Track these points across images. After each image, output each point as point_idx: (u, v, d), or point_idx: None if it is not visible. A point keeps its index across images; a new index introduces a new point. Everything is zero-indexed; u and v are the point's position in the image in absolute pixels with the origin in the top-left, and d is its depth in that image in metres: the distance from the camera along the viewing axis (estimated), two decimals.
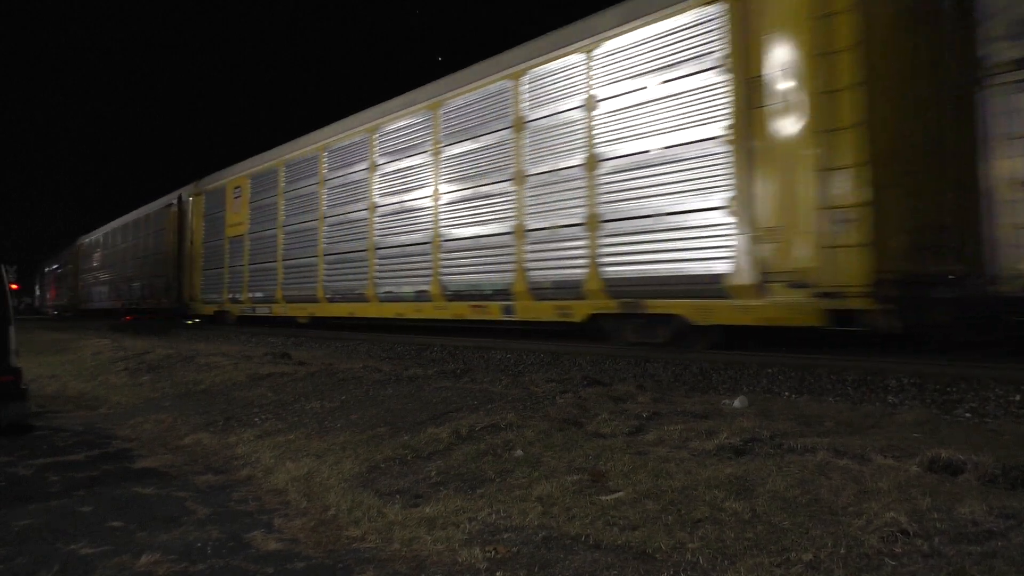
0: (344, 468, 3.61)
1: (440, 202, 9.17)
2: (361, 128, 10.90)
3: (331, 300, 11.15)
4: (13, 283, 5.20)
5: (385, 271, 10.05)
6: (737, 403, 4.12)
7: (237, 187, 14.56)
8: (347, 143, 11.24)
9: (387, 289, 9.97)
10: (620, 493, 2.78)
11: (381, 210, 10.21)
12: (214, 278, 15.40)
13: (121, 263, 22.37)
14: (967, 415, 3.85)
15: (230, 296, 14.57)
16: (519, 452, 3.43)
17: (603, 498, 2.75)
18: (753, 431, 3.28)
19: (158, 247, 18.60)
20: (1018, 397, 4.04)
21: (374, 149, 10.49)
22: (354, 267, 10.64)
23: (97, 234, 26.48)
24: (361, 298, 10.45)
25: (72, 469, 4.11)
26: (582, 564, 2.28)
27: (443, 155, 9.18)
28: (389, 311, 10.00)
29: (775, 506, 2.44)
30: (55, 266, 36.27)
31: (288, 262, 12.46)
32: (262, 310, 13.34)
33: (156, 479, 3.82)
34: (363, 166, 10.73)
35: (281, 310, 12.69)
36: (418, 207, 9.53)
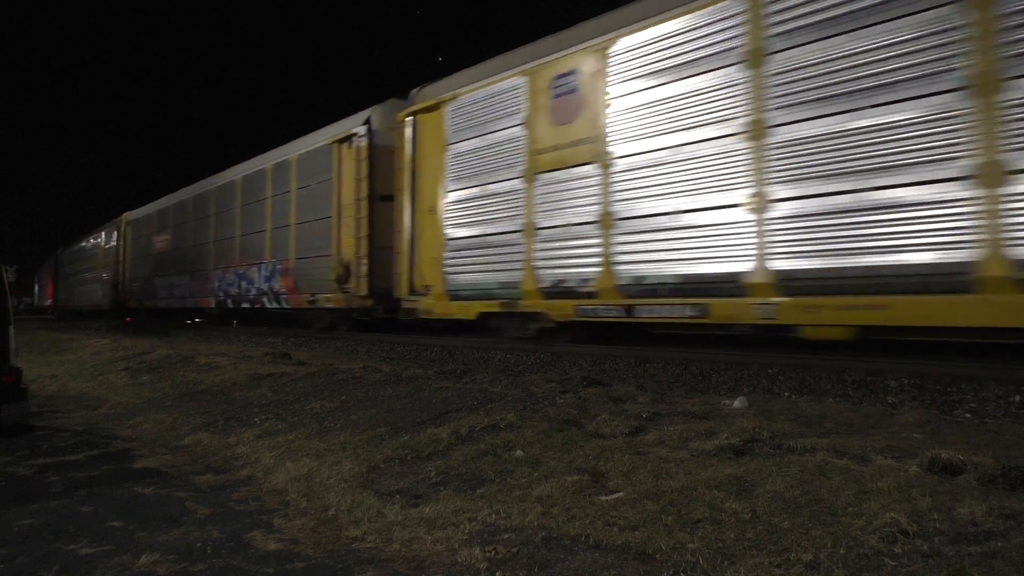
0: (344, 468, 3.61)
1: None
2: None
3: None
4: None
5: None
6: (737, 403, 4.12)
7: (562, 76, 7.63)
8: None
9: None
10: (620, 493, 2.78)
11: None
12: (485, 253, 8.49)
13: (218, 242, 15.74)
14: (967, 415, 3.84)
15: (548, 284, 7.63)
16: (519, 452, 3.43)
17: (603, 498, 2.76)
18: (753, 431, 3.28)
19: (312, 211, 12.04)
20: (1018, 398, 4.04)
21: None
22: None
23: (161, 205, 19.51)
24: None
25: (72, 469, 4.12)
26: (582, 564, 2.29)
27: None
28: None
29: (775, 506, 2.44)
30: (79, 255, 28.55)
31: (798, 202, 5.55)
32: (665, 310, 6.48)
33: (156, 479, 3.82)
34: None
35: (749, 312, 5.89)
36: None
